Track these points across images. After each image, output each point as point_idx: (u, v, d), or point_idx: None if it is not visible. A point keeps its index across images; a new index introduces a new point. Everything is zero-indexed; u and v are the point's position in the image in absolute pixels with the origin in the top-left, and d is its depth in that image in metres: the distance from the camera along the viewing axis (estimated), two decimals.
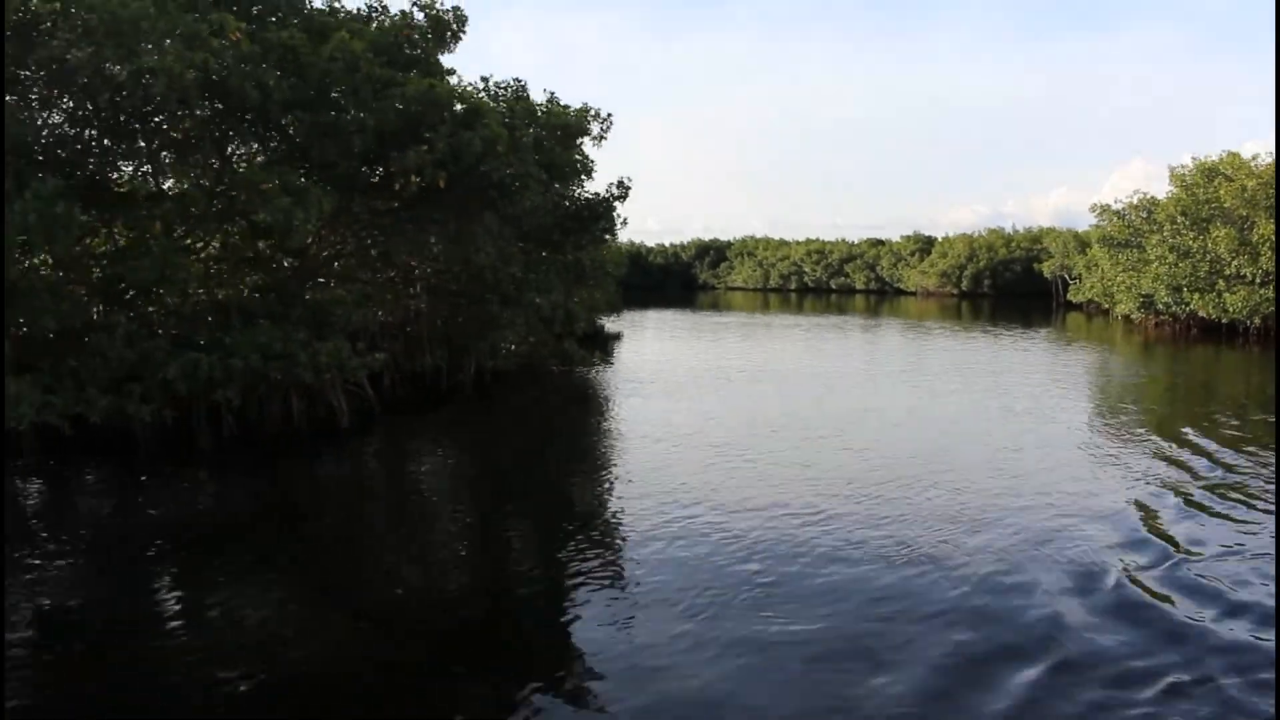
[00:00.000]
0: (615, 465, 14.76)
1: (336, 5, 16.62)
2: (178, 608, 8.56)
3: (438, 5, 16.44)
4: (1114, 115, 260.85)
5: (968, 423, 18.21)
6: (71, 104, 13.67)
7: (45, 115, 13.63)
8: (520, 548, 10.65)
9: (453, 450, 16.73)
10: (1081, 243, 66.11)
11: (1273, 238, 36.26)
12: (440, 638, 7.66)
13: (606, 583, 8.77)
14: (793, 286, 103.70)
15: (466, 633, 7.78)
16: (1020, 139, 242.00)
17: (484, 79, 18.26)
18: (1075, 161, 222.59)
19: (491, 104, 16.68)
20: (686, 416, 18.31)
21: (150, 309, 14.71)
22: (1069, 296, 63.90)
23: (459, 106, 15.76)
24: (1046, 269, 74.67)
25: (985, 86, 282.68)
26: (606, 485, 13.31)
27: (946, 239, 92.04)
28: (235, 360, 14.24)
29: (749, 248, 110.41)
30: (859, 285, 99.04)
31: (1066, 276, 69.08)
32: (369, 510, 12.57)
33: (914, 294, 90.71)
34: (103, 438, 14.51)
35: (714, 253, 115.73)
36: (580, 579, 8.89)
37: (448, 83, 14.93)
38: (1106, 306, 51.01)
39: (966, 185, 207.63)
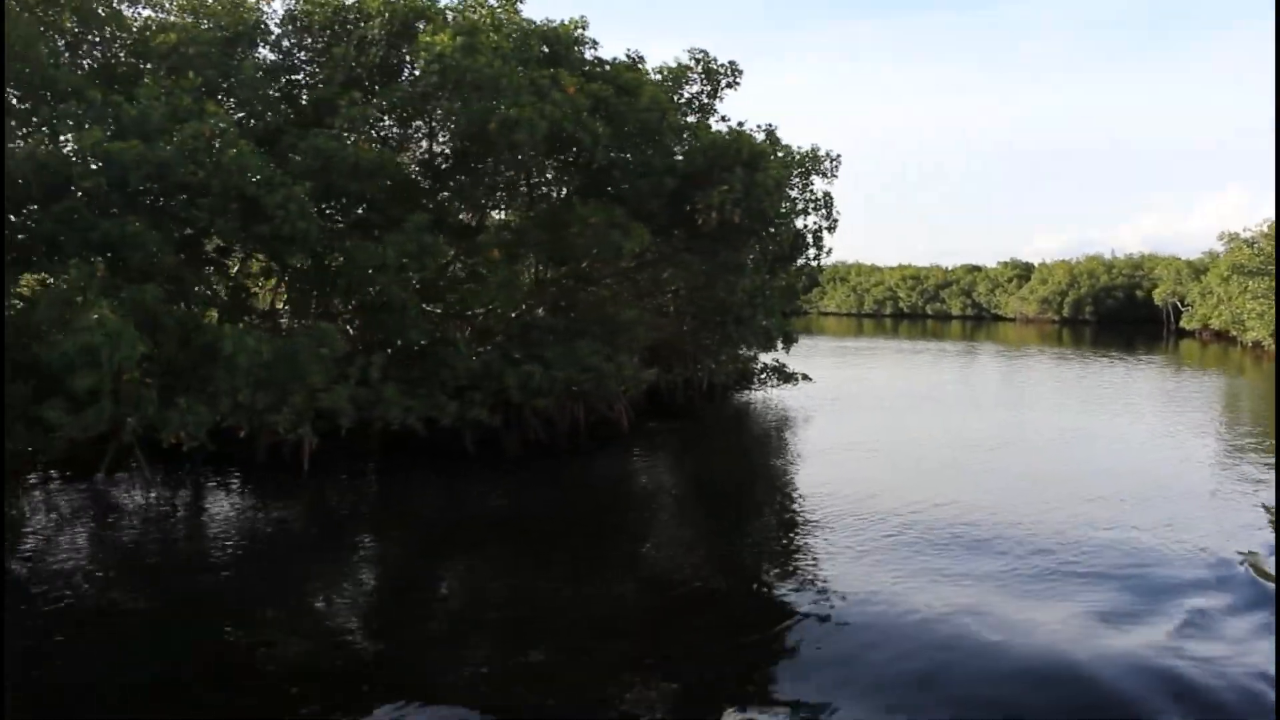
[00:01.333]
0: (835, 472, 16.52)
1: (636, 60, 18.64)
2: (503, 585, 10.15)
3: (714, 60, 18.49)
4: (1199, 141, 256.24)
5: (1136, 440, 19.64)
6: (426, 146, 15.92)
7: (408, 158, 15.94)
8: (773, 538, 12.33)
9: (704, 453, 18.78)
10: (1195, 270, 66.22)
11: None
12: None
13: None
14: (887, 312, 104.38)
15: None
16: (1101, 166, 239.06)
17: (740, 123, 20.27)
18: (1161, 188, 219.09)
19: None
20: (875, 430, 20.40)
21: (484, 326, 16.87)
22: (1181, 323, 64.04)
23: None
24: (1157, 296, 74.62)
25: (1063, 113, 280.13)
26: (834, 488, 14.79)
27: (1044, 265, 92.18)
28: (557, 372, 16.31)
29: (841, 273, 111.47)
30: (955, 311, 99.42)
31: (1179, 303, 69.09)
32: (657, 505, 14.55)
33: (1012, 320, 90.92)
34: (431, 441, 16.56)
35: (806, 278, 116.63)
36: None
37: (747, 132, 16.86)
38: (1234, 334, 51.44)
39: (1048, 213, 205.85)
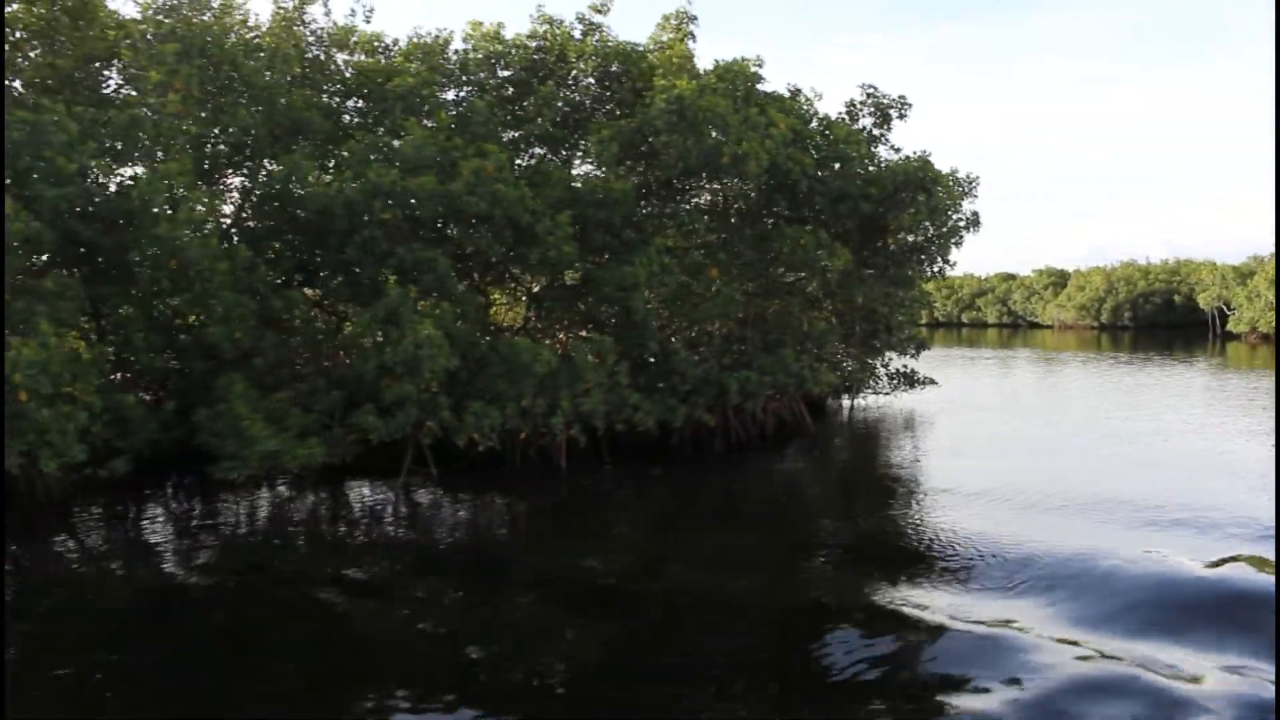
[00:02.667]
0: (985, 460, 18.35)
1: (794, 92, 20.37)
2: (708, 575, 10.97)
3: (882, 94, 20.17)
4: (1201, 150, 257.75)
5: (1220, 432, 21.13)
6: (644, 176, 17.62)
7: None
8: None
9: (877, 446, 20.39)
10: (1240, 274, 67.80)
11: None
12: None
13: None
14: (922, 320, 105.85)
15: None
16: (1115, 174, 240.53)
17: (895, 148, 21.90)
18: (1179, 193, 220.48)
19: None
20: (993, 427, 22.80)
21: (691, 338, 18.53)
22: (1228, 327, 65.56)
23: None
24: (1203, 300, 76.18)
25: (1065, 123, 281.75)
26: (988, 471, 16.65)
27: (1080, 272, 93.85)
28: (766, 378, 17.95)
29: None
30: (990, 319, 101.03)
31: (1224, 307, 70.65)
32: (863, 489, 16.15)
33: (1049, 327, 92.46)
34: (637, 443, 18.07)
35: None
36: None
37: (929, 160, 18.54)
38: None
39: (1063, 219, 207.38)
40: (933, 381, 26.59)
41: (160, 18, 16.88)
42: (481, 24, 20.28)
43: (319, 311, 16.38)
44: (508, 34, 19.75)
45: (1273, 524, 12.10)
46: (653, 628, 9.09)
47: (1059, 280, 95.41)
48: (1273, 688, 7.15)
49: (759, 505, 14.97)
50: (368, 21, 20.61)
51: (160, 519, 13.91)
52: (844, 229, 18.37)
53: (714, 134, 16.59)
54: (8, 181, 13.07)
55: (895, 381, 26.22)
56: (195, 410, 13.77)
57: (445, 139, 16.04)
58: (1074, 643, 8.28)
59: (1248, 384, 34.05)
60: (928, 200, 18.50)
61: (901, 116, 20.14)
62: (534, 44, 19.81)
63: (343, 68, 19.66)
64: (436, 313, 14.36)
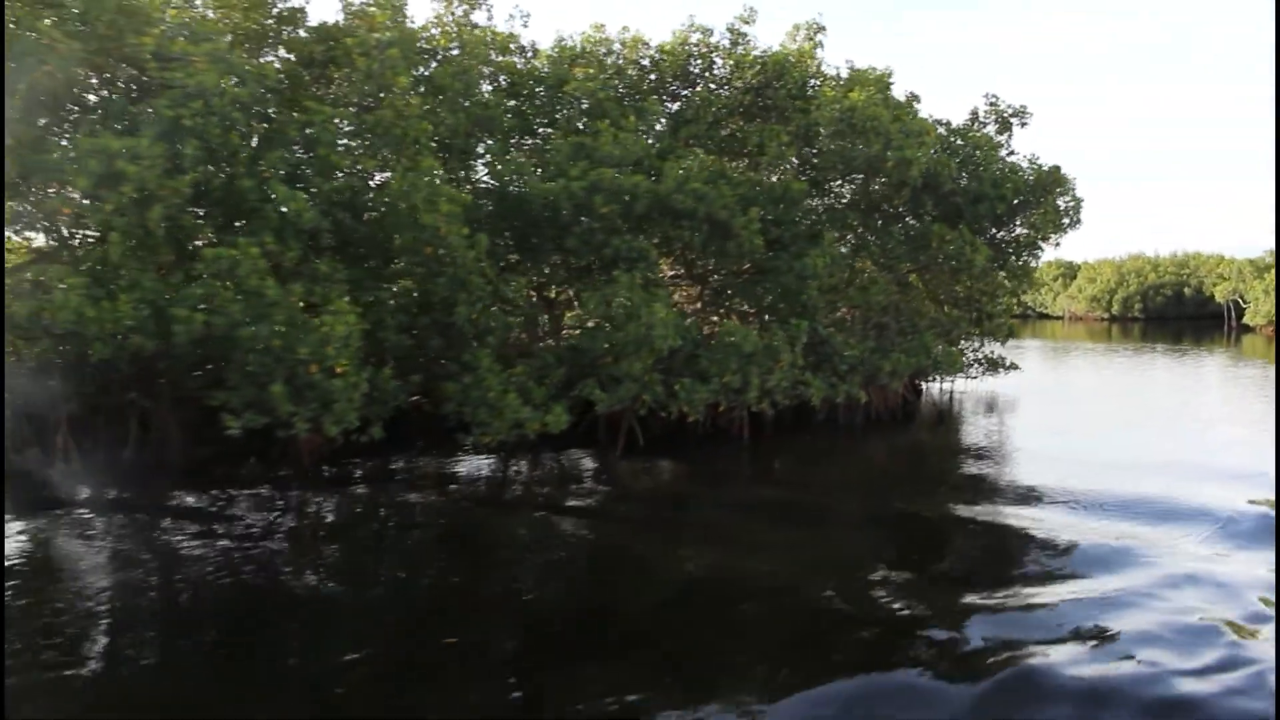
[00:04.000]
0: (1071, 437, 20.14)
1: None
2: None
3: (1003, 103, 21.99)
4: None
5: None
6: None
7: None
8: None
9: (981, 420, 22.29)
10: (1256, 268, 70.15)
11: None
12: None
13: None
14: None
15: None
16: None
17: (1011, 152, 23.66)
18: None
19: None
20: (1066, 409, 25.23)
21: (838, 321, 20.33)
22: (1245, 320, 67.92)
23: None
24: (1219, 293, 78.56)
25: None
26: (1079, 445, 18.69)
27: (1089, 264, 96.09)
28: (912, 359, 19.79)
29: None
30: None
31: (1240, 300, 73.07)
32: (992, 457, 17.96)
33: (1059, 318, 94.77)
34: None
35: None
36: None
37: (1059, 168, 20.42)
38: None
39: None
40: (1016, 367, 28.48)
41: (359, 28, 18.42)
42: (602, 26, 21.95)
43: (535, 293, 18.06)
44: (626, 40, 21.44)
45: None
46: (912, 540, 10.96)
47: (1068, 272, 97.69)
48: None
49: (934, 467, 16.86)
50: (525, 26, 22.22)
51: (407, 478, 15.60)
52: (980, 226, 20.18)
53: (878, 141, 18.33)
54: (280, 173, 14.69)
55: (983, 366, 28.09)
56: (436, 383, 15.50)
57: (636, 141, 17.72)
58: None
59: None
60: (1051, 202, 20.35)
61: (1023, 124, 21.93)
62: (684, 51, 21.48)
63: (500, 71, 21.24)
64: (659, 296, 16.08)
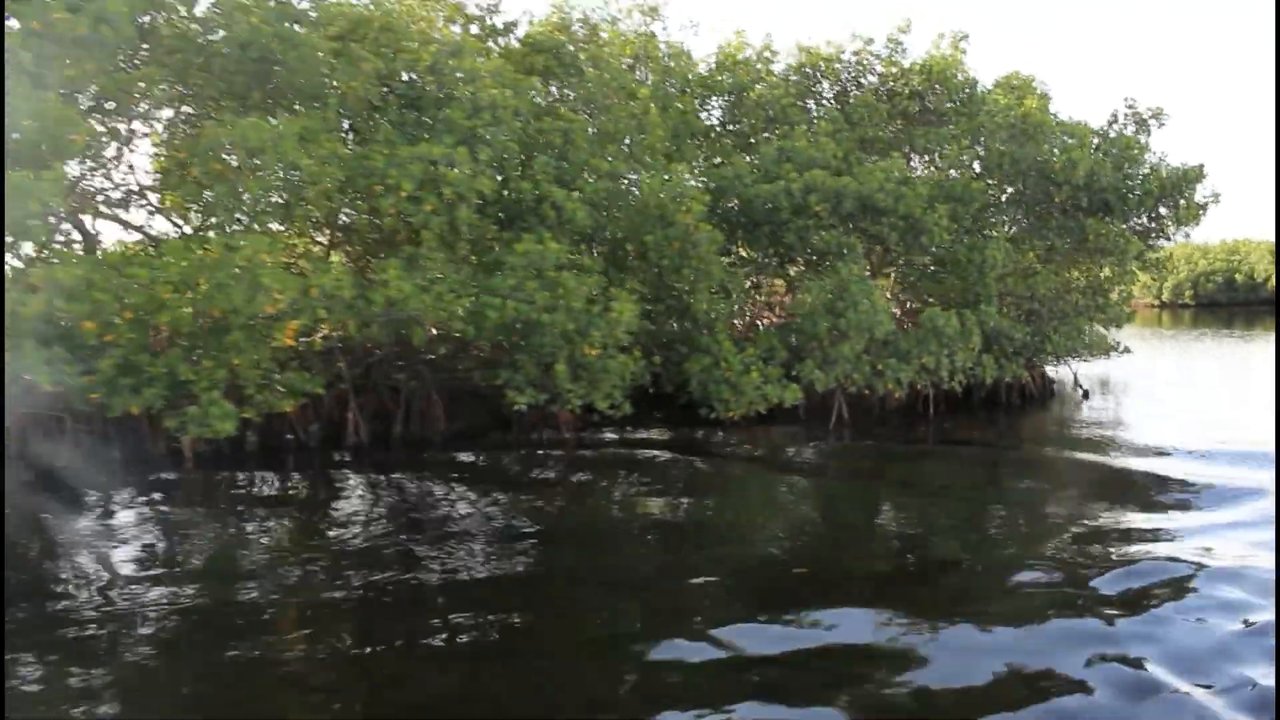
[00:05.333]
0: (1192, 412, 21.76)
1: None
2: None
3: (1142, 106, 23.64)
4: None
5: None
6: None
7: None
8: None
9: (1119, 397, 23.99)
10: None
11: None
12: None
13: None
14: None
15: None
16: None
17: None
18: None
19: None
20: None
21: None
22: None
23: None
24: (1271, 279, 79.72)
25: None
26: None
27: None
28: (1070, 342, 21.57)
29: None
30: None
31: None
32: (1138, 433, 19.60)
33: None
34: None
35: None
36: None
37: (1201, 167, 22.12)
38: None
39: None
40: (1128, 350, 30.19)
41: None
42: (743, 32, 23.67)
43: (752, 282, 19.99)
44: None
45: None
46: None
47: None
48: None
49: (1107, 435, 18.63)
50: (695, 35, 24.03)
51: (649, 444, 17.47)
52: (1125, 219, 21.95)
53: (1047, 144, 20.10)
54: (550, 175, 16.51)
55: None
56: (673, 363, 17.41)
57: (828, 145, 19.54)
58: None
59: None
60: (1191, 195, 22.05)
61: (1160, 125, 23.58)
62: (846, 58, 23.26)
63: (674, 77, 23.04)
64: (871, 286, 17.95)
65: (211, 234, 13.91)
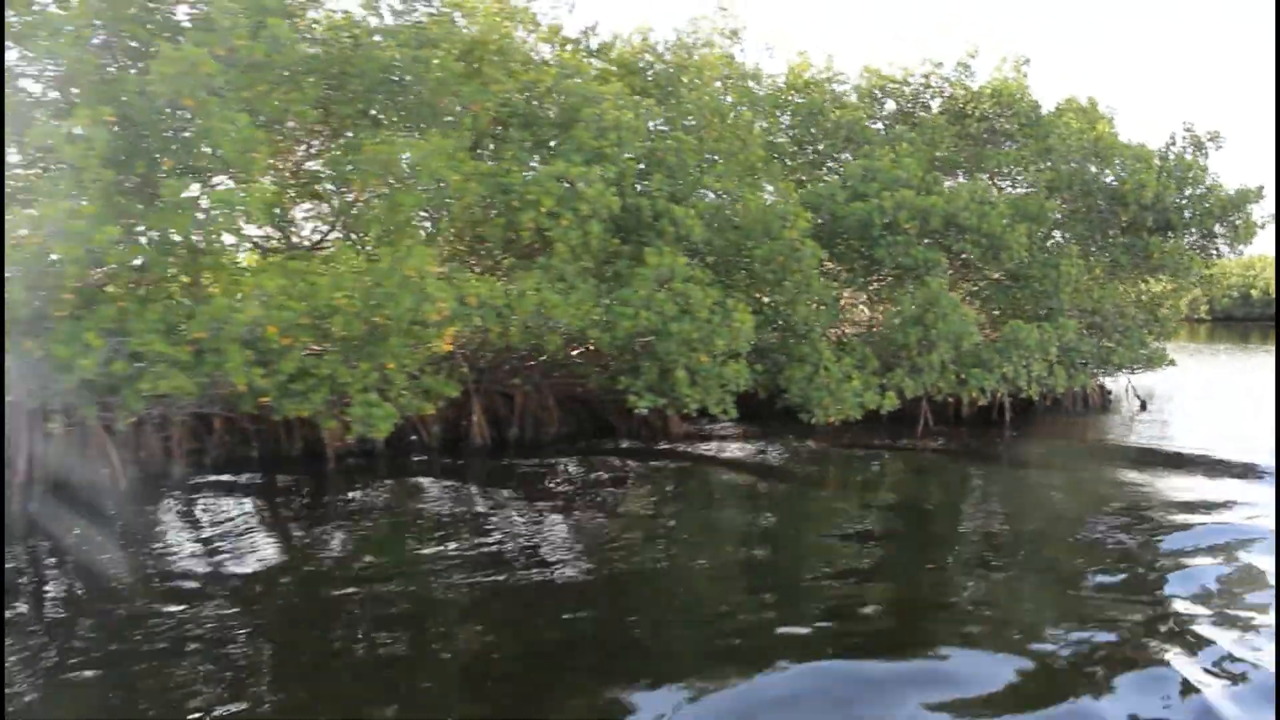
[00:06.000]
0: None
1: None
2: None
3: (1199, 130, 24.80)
4: None
5: None
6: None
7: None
8: None
9: (1180, 405, 25.06)
10: None
11: None
12: None
13: None
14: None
15: None
16: None
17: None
18: None
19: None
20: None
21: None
22: None
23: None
24: None
25: None
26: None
27: None
28: (1129, 353, 22.68)
29: None
30: None
31: None
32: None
33: None
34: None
35: None
36: None
37: (1260, 188, 23.30)
38: None
39: None
40: (1173, 363, 31.29)
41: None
42: (806, 52, 24.84)
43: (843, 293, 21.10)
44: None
45: None
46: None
47: None
48: None
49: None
50: (771, 58, 25.18)
51: (760, 446, 18.51)
52: (1187, 238, 23.09)
53: (1118, 166, 21.23)
54: (665, 192, 17.53)
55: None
56: (773, 371, 18.46)
57: (910, 164, 20.64)
58: None
59: None
60: (1247, 215, 23.20)
61: (1218, 148, 24.72)
62: (914, 81, 24.41)
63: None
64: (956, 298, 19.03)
65: (368, 245, 14.97)
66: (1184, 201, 22.74)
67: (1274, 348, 54.95)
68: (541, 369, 18.96)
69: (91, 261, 11.96)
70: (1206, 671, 7.47)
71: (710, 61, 19.94)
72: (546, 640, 8.21)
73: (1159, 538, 11.67)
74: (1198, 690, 7.14)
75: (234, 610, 8.80)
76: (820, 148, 23.36)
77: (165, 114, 13.25)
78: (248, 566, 10.35)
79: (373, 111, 16.12)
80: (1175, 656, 7.73)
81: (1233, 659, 7.69)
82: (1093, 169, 21.32)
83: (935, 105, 24.30)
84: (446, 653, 8.16)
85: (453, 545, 11.47)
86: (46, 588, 9.77)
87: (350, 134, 17.00)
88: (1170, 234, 22.85)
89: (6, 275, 11.70)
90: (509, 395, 19.09)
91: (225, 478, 15.17)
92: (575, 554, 11.06)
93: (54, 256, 11.73)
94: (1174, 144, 24.90)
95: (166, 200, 12.62)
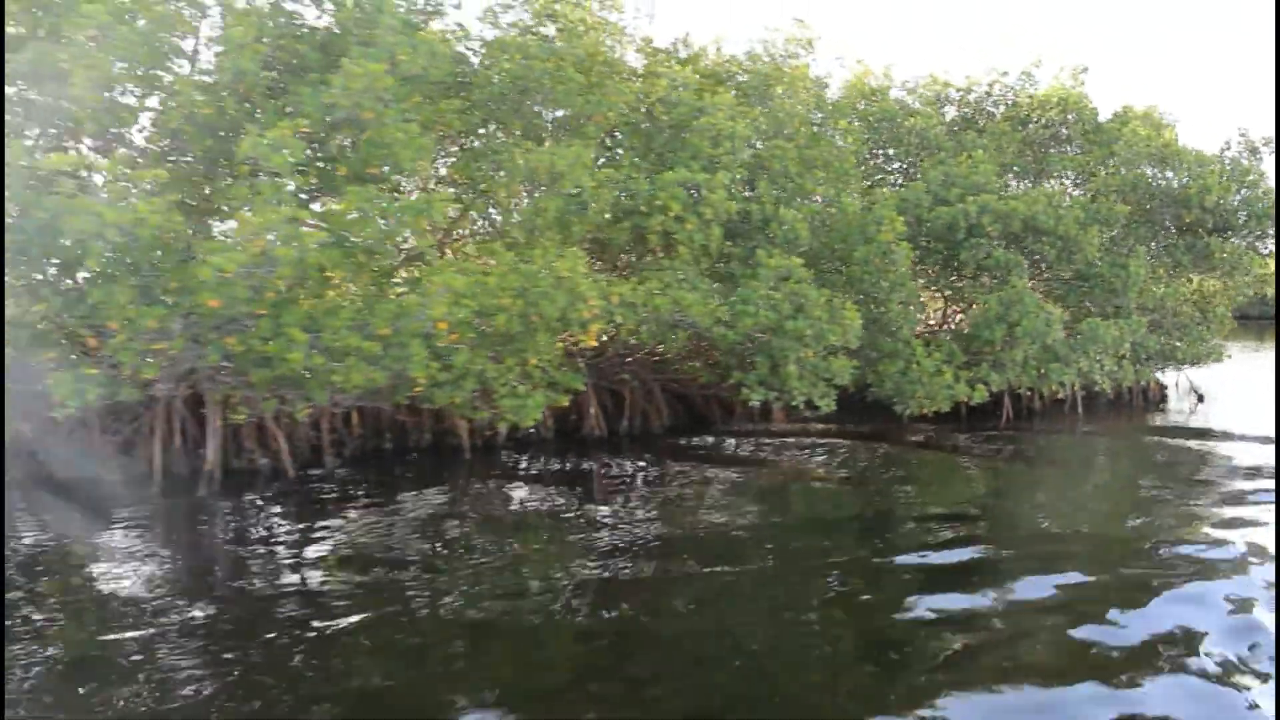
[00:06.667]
0: None
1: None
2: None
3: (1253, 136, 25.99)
4: None
5: None
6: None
7: None
8: None
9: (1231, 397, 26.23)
10: None
11: None
12: None
13: None
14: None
15: None
16: None
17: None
18: None
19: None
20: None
21: None
22: None
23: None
24: None
25: None
26: None
27: None
28: (1191, 349, 23.89)
29: None
30: None
31: None
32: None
33: None
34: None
35: None
36: None
37: None
38: None
39: None
40: (1230, 356, 32.49)
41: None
42: (864, 60, 26.10)
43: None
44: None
45: None
46: None
47: None
48: None
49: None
50: (841, 68, 26.35)
51: (860, 436, 19.64)
52: (1245, 239, 24.33)
53: (1183, 172, 22.46)
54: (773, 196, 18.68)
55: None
56: (865, 364, 19.61)
57: (986, 170, 21.83)
58: None
59: None
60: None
61: (1271, 152, 25.94)
62: (978, 89, 25.63)
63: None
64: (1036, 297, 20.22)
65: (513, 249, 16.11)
66: (1238, 203, 23.95)
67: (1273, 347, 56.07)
68: (650, 366, 20.11)
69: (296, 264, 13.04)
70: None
71: (802, 72, 21.07)
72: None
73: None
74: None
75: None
76: (890, 153, 24.50)
77: (343, 125, 14.35)
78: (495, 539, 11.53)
79: (497, 121, 17.27)
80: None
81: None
82: (1159, 174, 22.51)
83: (998, 113, 25.46)
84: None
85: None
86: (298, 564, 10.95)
87: (477, 142, 18.22)
88: (1229, 234, 24.06)
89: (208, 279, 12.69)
90: (615, 390, 20.21)
91: (371, 467, 16.29)
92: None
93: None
94: (1228, 149, 26.16)
95: (350, 207, 13.70)
